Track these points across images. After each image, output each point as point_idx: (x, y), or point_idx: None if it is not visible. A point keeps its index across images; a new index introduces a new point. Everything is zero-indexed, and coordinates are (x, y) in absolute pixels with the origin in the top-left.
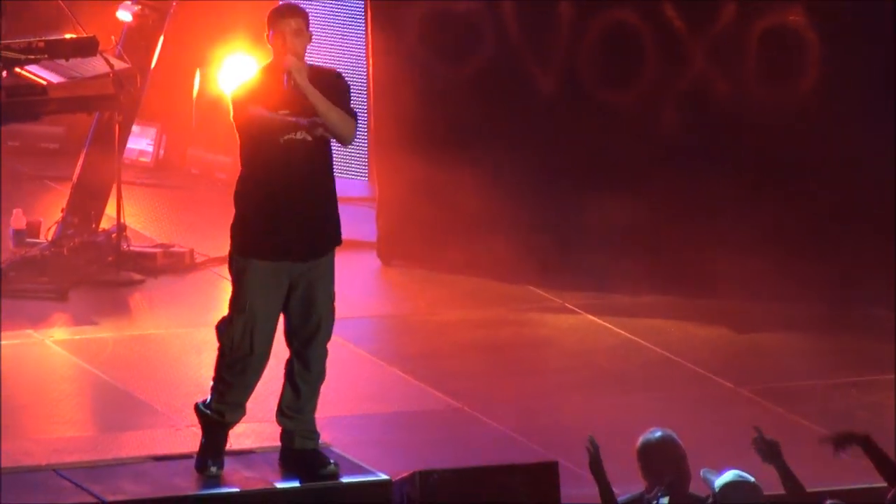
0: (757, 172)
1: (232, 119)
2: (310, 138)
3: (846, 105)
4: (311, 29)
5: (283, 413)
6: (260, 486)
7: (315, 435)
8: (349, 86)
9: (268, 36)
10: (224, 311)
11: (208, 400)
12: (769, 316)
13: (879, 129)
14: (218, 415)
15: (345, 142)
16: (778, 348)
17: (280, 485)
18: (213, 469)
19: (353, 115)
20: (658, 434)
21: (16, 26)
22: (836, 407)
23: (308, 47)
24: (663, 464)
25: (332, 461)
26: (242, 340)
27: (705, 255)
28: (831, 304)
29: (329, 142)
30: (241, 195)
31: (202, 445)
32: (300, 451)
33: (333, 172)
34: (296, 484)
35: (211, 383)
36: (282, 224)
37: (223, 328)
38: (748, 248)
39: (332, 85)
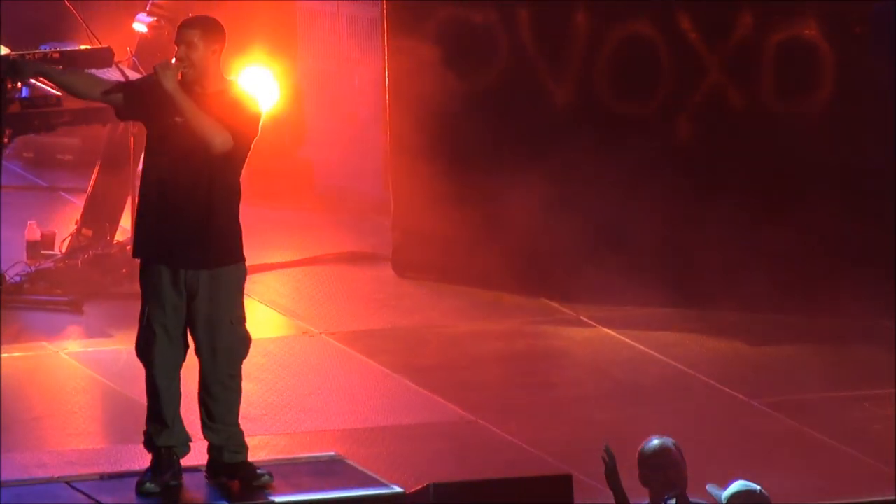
0: (770, 185)
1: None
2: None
3: (857, 117)
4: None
5: (206, 426)
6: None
7: (244, 448)
8: (252, 109)
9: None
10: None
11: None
12: (781, 329)
13: (884, 140)
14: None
15: (210, 149)
16: (790, 361)
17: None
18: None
19: (235, 130)
20: (654, 442)
21: (22, 34)
22: (849, 419)
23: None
24: (658, 470)
25: (265, 472)
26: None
27: (718, 268)
28: (841, 316)
29: (229, 158)
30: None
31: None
32: (230, 464)
33: (230, 191)
34: (308, 496)
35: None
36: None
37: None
38: (761, 261)
39: (224, 97)
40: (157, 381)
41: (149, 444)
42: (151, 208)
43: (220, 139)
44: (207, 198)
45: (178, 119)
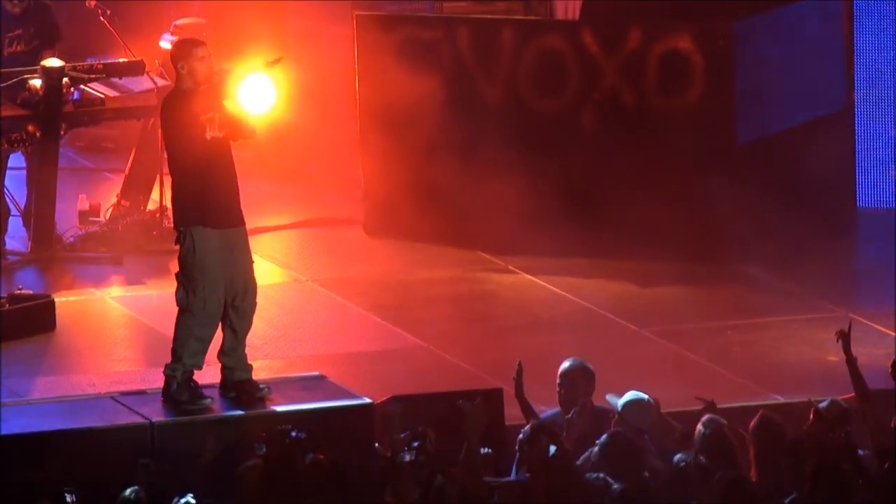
0: (651, 161)
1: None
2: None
3: (723, 106)
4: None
5: (223, 353)
6: (266, 408)
7: (248, 367)
8: None
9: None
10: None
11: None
12: (666, 274)
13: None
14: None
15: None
16: (673, 299)
17: (281, 408)
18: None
19: None
20: (572, 362)
21: (75, 51)
22: (716, 343)
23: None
24: (575, 382)
25: (263, 386)
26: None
27: (614, 225)
28: (714, 263)
29: None
30: None
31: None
32: (238, 381)
33: None
34: (297, 406)
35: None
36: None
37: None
38: (648, 218)
39: None
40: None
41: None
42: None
43: None
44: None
45: None
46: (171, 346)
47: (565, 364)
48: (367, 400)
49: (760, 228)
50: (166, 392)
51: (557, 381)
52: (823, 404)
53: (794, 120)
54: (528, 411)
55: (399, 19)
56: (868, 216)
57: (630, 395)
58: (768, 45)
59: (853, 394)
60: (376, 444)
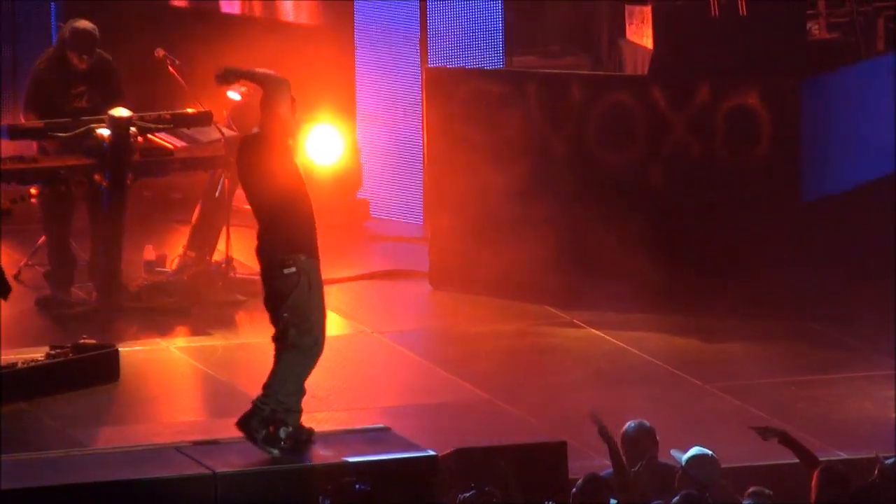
0: (720, 217)
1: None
2: None
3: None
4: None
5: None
6: (331, 460)
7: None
8: None
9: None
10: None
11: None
12: (728, 330)
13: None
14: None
15: None
16: (735, 354)
17: (349, 459)
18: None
19: None
20: (633, 424)
21: (142, 100)
22: (780, 399)
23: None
24: (638, 444)
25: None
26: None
27: (680, 279)
28: (777, 318)
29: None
30: None
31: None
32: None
33: None
34: (362, 458)
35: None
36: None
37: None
38: (713, 273)
39: None
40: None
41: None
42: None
43: None
44: None
45: None
46: (267, 380)
47: (626, 426)
48: (431, 452)
49: (826, 285)
50: (245, 423)
51: (619, 441)
52: (890, 461)
53: (862, 177)
54: (616, 455)
55: (468, 72)
56: None
57: (694, 450)
58: (835, 102)
59: None
60: (442, 500)
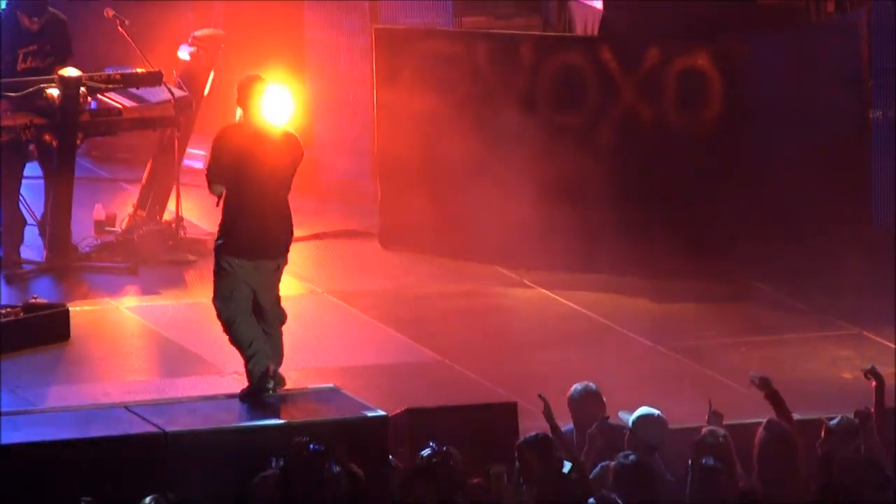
0: (668, 178)
1: None
2: None
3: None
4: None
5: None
6: (282, 420)
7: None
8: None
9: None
10: None
11: None
12: (679, 292)
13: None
14: None
15: None
16: (687, 315)
17: (300, 419)
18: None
19: None
20: (579, 387)
21: (92, 61)
22: (730, 359)
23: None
24: (583, 407)
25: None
26: None
27: (630, 240)
28: (728, 280)
29: None
30: None
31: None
32: None
33: None
34: (313, 418)
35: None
36: None
37: None
38: (662, 237)
39: None
40: None
41: None
42: None
43: None
44: None
45: None
46: None
47: (572, 389)
48: (382, 412)
49: (777, 246)
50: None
51: (568, 406)
52: (835, 421)
53: (810, 139)
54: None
55: (417, 33)
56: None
57: (641, 410)
58: (784, 63)
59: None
60: (391, 458)
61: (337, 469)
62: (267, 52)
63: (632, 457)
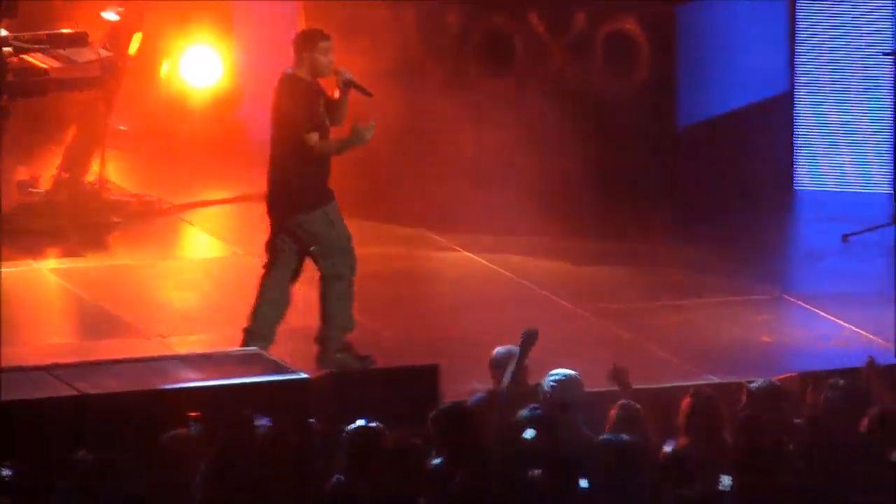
0: (594, 139)
1: None
2: None
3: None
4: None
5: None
6: (203, 382)
7: None
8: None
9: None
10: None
11: None
12: (604, 254)
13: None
14: None
15: None
16: (610, 278)
17: (222, 381)
18: None
19: None
20: (502, 349)
21: (18, 22)
22: (653, 323)
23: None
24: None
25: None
26: None
27: (555, 203)
28: (652, 243)
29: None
30: None
31: None
32: None
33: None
34: (234, 380)
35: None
36: None
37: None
38: (589, 197)
39: None
40: None
41: None
42: None
43: None
44: None
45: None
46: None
47: (495, 352)
48: (304, 375)
49: (699, 210)
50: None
51: (489, 369)
52: (755, 385)
53: (736, 103)
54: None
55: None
56: (806, 198)
57: (556, 372)
58: (711, 27)
59: (790, 374)
60: (312, 420)
61: (261, 429)
62: (194, 15)
63: (538, 410)
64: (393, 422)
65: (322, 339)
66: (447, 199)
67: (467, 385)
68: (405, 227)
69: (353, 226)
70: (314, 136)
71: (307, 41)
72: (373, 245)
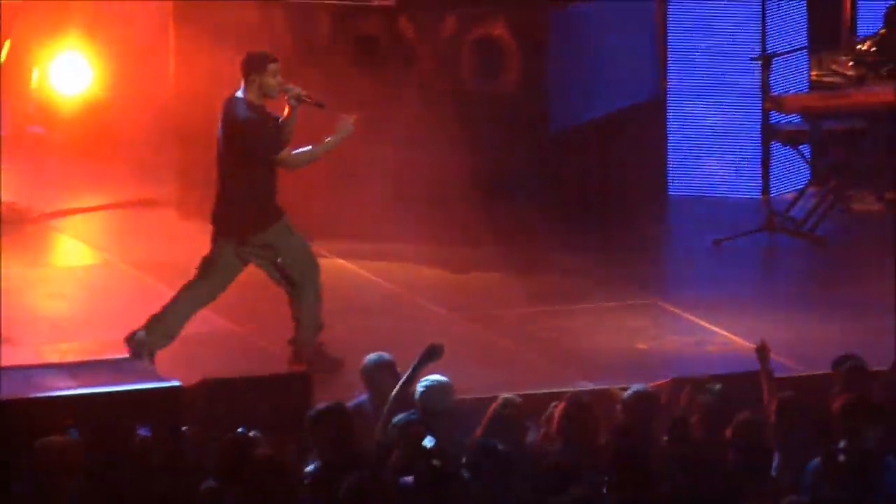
0: (466, 144)
1: None
2: None
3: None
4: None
5: None
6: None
7: None
8: None
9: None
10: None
11: None
12: (479, 260)
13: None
14: None
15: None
16: (485, 284)
17: (95, 389)
18: None
19: None
20: (373, 357)
21: None
22: (528, 330)
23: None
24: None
25: None
26: None
27: (429, 210)
28: (526, 250)
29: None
30: None
31: None
32: None
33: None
34: (107, 388)
35: None
36: None
37: None
38: (462, 203)
39: None
40: None
41: None
42: None
43: None
44: None
45: None
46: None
47: (366, 359)
48: (177, 382)
49: (573, 216)
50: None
51: (361, 376)
52: (630, 392)
53: (608, 108)
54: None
55: (215, 3)
56: (678, 203)
57: (427, 379)
58: (583, 32)
59: (661, 382)
60: (185, 428)
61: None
62: (64, 20)
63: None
64: (267, 429)
65: (296, 340)
66: (322, 205)
67: (340, 392)
68: None
69: None
70: (286, 153)
71: (256, 64)
72: None
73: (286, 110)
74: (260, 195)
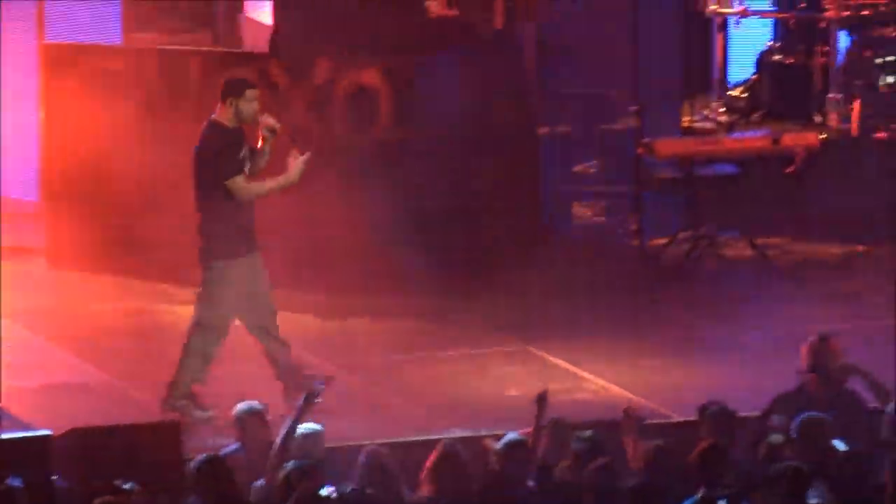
0: (340, 192)
1: None
2: None
3: (406, 143)
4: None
5: None
6: None
7: None
8: None
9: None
10: None
11: None
12: (352, 307)
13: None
14: None
15: None
16: (359, 332)
17: None
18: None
19: None
20: (244, 406)
21: None
22: (402, 377)
23: None
24: (246, 426)
25: None
26: None
27: (290, 257)
28: (404, 295)
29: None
30: None
31: None
32: None
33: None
34: None
35: None
36: None
37: None
38: (335, 249)
39: None
40: None
41: None
42: None
43: None
44: None
45: None
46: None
47: (237, 410)
48: (46, 432)
49: (444, 259)
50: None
51: (233, 425)
52: (501, 443)
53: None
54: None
55: (85, 49)
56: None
57: (304, 427)
58: (455, 79)
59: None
60: (55, 477)
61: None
62: None
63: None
64: (137, 477)
65: (172, 383)
66: (186, 252)
67: (209, 439)
68: (152, 281)
69: (98, 281)
70: (238, 180)
71: (233, 89)
72: (115, 301)
73: (259, 142)
74: (220, 222)
